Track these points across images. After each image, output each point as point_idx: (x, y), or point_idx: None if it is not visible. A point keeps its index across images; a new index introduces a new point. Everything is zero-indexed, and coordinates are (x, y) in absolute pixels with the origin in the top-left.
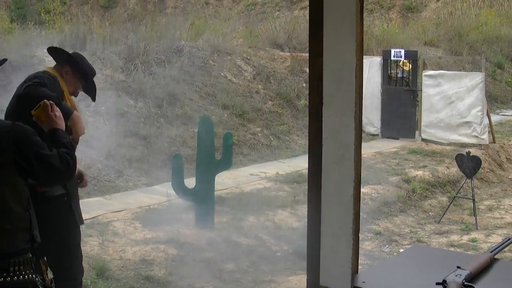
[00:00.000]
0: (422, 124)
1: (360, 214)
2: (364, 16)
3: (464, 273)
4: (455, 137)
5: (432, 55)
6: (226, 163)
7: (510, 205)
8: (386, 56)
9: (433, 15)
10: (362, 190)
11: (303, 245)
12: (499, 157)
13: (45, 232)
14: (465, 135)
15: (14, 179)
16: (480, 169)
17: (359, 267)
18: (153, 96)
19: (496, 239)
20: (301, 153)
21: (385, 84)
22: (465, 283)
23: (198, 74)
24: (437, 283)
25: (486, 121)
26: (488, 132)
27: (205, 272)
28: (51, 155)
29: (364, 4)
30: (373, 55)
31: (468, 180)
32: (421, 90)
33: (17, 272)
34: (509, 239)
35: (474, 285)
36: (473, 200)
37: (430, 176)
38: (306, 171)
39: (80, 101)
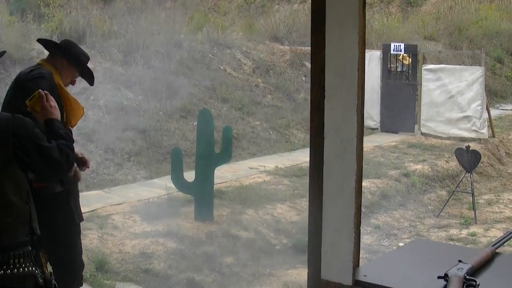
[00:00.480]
0: (421, 118)
1: None
2: None
3: (466, 267)
4: (454, 131)
5: (432, 49)
6: (225, 157)
7: (509, 199)
8: (386, 50)
9: (433, 9)
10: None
11: (302, 239)
12: (498, 151)
13: (44, 227)
14: (464, 129)
15: (14, 172)
16: (480, 163)
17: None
18: (152, 89)
19: (495, 233)
20: (301, 146)
21: (385, 78)
22: (467, 277)
23: (198, 67)
24: (439, 277)
25: (485, 115)
26: (488, 127)
27: (205, 265)
28: (51, 147)
29: None
30: (373, 49)
31: (467, 174)
32: (421, 84)
33: (17, 265)
34: (511, 233)
35: (475, 279)
36: (473, 194)
37: (430, 170)
38: (305, 165)
39: (79, 94)
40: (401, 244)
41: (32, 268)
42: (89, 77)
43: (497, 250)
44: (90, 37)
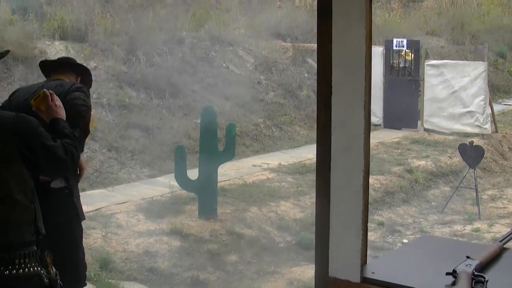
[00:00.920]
0: (424, 114)
1: None
2: None
3: (474, 263)
4: (457, 126)
5: (434, 45)
6: (229, 154)
7: None
8: (388, 46)
9: (434, 4)
10: None
11: (306, 236)
12: (502, 146)
13: (47, 225)
14: (467, 125)
15: (19, 171)
16: (483, 159)
17: None
18: (155, 87)
19: (499, 228)
20: (304, 143)
21: (387, 74)
22: (475, 273)
23: (200, 64)
24: (447, 273)
25: (488, 110)
26: (491, 122)
27: (209, 263)
28: (56, 146)
29: None
30: (375, 45)
31: (471, 170)
32: (424, 79)
33: (22, 265)
34: None
35: (484, 275)
36: (476, 190)
37: (433, 166)
38: (308, 162)
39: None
40: (405, 240)
41: (37, 268)
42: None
43: (504, 246)
44: (92, 35)
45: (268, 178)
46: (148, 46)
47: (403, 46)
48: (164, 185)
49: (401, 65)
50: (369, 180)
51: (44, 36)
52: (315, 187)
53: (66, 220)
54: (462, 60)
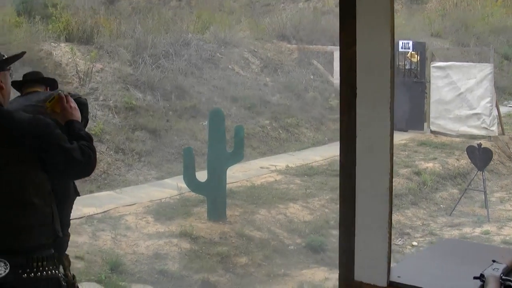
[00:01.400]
0: (431, 116)
1: None
2: None
3: (501, 267)
4: (464, 128)
5: (439, 47)
6: (237, 156)
7: None
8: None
9: (438, 6)
10: None
11: (316, 239)
12: (509, 149)
13: None
14: (474, 127)
15: (36, 173)
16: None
17: None
18: (161, 89)
19: (508, 231)
20: (310, 145)
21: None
22: (503, 277)
23: (206, 66)
24: (475, 277)
25: (495, 112)
26: (497, 124)
27: (219, 266)
28: (73, 148)
29: None
30: None
31: (479, 172)
32: (430, 81)
33: (40, 268)
34: None
35: None
36: (485, 192)
37: (441, 168)
38: (316, 164)
39: (88, 94)
40: (414, 243)
41: (55, 271)
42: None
43: None
44: (98, 37)
45: (276, 180)
46: (153, 48)
47: (409, 48)
48: (172, 187)
49: (407, 67)
50: None
51: (50, 38)
52: (323, 189)
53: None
54: (467, 62)
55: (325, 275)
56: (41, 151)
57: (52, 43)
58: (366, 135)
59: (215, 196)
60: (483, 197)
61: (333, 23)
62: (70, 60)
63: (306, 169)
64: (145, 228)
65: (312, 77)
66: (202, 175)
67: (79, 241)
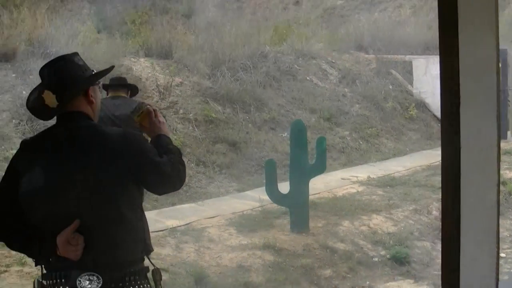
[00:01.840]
0: None
1: None
2: None
3: None
4: None
5: None
6: (320, 167)
7: None
8: None
9: None
10: None
11: (401, 250)
12: None
13: None
14: None
15: (128, 187)
16: None
17: None
18: (240, 101)
19: None
20: (391, 156)
21: None
22: None
23: (284, 78)
24: None
25: None
26: None
27: (303, 278)
28: (163, 162)
29: None
30: None
31: None
32: None
33: (132, 282)
34: None
35: None
36: None
37: None
38: (398, 175)
39: (168, 108)
40: (503, 255)
41: (147, 286)
42: None
43: None
44: (176, 52)
45: (358, 191)
46: (232, 62)
47: None
48: (253, 199)
49: None
50: None
51: (130, 54)
52: (406, 200)
53: None
54: None
55: None
56: (133, 165)
57: (132, 59)
58: (472, 146)
59: (298, 208)
60: None
61: (410, 32)
62: (150, 74)
63: (388, 179)
64: (228, 240)
65: (391, 87)
66: (283, 187)
67: (162, 253)
